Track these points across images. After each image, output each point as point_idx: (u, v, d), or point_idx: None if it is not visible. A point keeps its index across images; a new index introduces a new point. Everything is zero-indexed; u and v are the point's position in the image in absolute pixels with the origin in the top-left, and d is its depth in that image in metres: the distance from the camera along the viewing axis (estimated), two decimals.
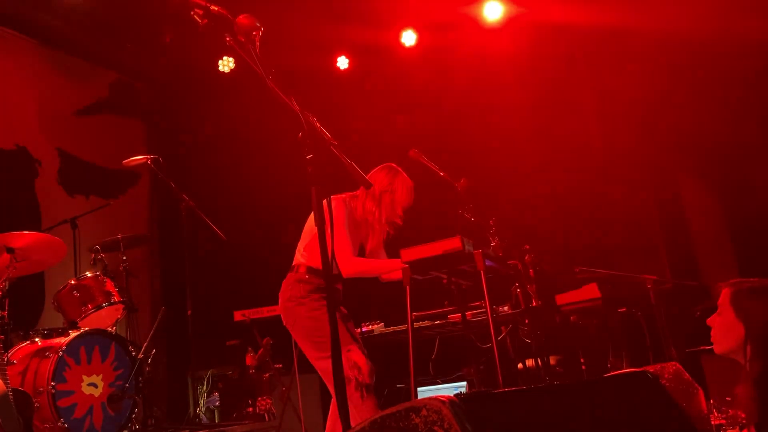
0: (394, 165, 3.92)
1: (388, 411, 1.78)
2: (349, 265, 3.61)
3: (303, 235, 3.83)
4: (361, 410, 3.48)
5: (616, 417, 2.23)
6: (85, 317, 5.01)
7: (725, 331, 2.61)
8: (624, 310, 5.40)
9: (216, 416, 6.28)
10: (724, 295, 2.62)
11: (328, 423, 3.77)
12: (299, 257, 3.77)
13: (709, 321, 2.67)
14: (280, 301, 3.74)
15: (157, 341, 5.92)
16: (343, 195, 3.82)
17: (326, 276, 2.56)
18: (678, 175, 5.98)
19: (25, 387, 4.31)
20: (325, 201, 2.59)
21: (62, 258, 5.06)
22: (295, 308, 3.64)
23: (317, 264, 3.64)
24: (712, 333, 2.66)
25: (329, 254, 2.53)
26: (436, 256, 3.52)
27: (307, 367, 3.89)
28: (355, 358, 3.52)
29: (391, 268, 3.72)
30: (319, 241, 2.52)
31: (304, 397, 4.91)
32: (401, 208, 3.82)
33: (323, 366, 3.54)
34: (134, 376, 4.84)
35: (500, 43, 6.54)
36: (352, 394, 3.47)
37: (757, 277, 2.65)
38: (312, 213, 3.66)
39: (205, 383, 6.33)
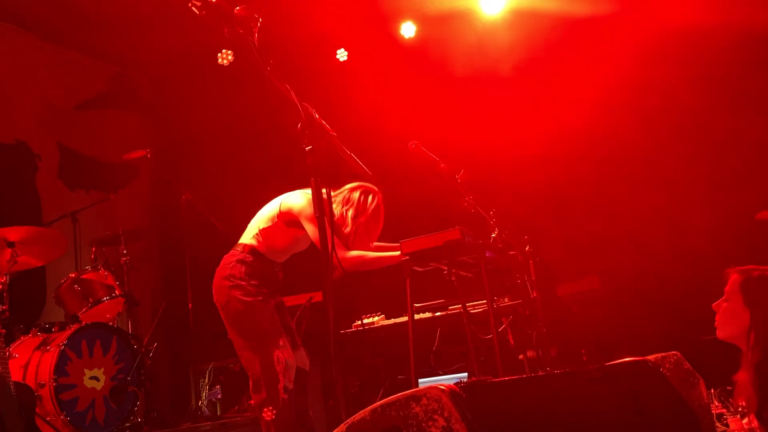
0: (372, 188, 3.69)
1: (388, 400, 1.78)
2: (345, 261, 3.44)
3: (263, 218, 3.65)
4: (281, 417, 3.31)
5: (617, 406, 2.23)
6: (86, 311, 5.02)
7: (730, 316, 2.62)
8: (625, 299, 5.42)
9: (218, 409, 6.29)
10: (733, 281, 2.62)
11: None
12: (251, 238, 3.61)
13: (715, 306, 2.68)
14: (215, 277, 3.59)
15: (158, 334, 5.94)
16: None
17: (326, 270, 2.53)
18: (678, 165, 5.97)
19: (27, 381, 4.33)
20: (324, 193, 2.57)
21: (63, 252, 5.08)
22: (230, 289, 3.51)
23: (268, 251, 3.59)
24: (716, 317, 2.67)
25: (329, 247, 2.50)
26: (436, 247, 3.51)
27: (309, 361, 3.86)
28: (285, 356, 3.39)
29: (389, 263, 3.57)
30: (319, 232, 2.49)
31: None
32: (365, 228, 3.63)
33: (248, 356, 3.44)
34: (136, 369, 4.85)
35: (499, 34, 6.53)
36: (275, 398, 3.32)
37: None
38: (277, 197, 3.65)
39: (207, 376, 6.33)
